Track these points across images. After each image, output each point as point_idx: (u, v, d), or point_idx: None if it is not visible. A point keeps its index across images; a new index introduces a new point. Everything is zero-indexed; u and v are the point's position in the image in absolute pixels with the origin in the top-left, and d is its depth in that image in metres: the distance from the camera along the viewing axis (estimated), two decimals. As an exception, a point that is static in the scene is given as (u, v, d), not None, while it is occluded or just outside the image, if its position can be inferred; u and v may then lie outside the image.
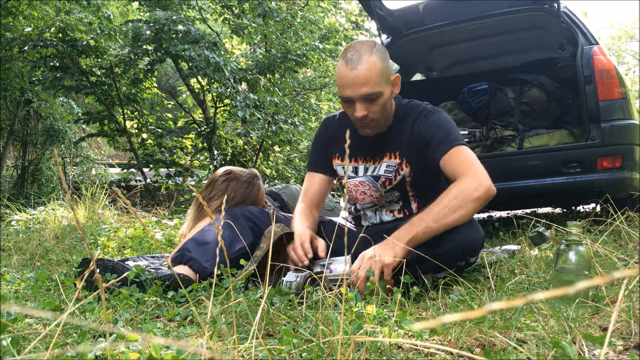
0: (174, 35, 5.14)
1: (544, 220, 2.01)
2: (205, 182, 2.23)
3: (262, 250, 1.59)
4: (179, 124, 6.46)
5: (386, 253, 1.46)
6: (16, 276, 1.89)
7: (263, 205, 2.23)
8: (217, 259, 0.94)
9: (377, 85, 1.61)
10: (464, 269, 1.67)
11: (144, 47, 5.31)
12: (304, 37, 6.66)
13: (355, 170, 1.85)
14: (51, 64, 5.37)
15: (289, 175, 7.26)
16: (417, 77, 4.76)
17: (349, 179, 1.86)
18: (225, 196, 1.89)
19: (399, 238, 1.48)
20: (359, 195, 1.85)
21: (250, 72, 5.77)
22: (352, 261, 1.70)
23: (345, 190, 1.19)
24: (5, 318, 1.12)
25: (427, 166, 1.72)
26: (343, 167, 1.88)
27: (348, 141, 0.89)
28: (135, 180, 6.04)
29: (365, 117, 1.64)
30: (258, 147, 6.38)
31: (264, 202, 2.23)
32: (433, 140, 1.67)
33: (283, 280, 1.52)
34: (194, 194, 0.89)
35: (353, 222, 1.97)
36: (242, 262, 1.61)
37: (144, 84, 5.82)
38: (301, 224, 1.74)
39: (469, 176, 1.56)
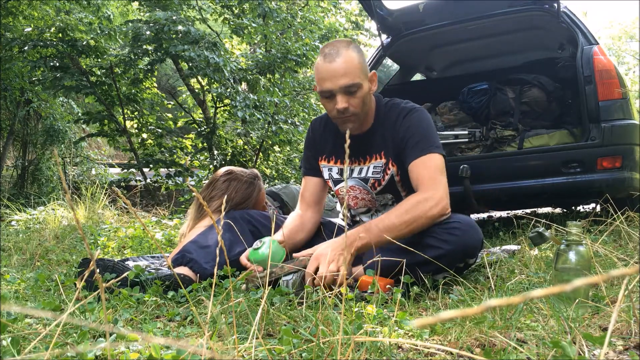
0: (174, 36, 5.14)
1: (544, 220, 2.01)
2: (206, 182, 2.23)
3: (276, 275, 1.56)
4: (179, 124, 6.47)
5: (333, 250, 1.49)
6: (16, 276, 1.89)
7: (263, 206, 2.23)
8: (217, 260, 0.94)
9: (357, 77, 1.62)
10: (463, 270, 1.66)
11: (144, 47, 5.31)
12: (304, 37, 6.66)
13: (341, 172, 1.85)
14: (51, 64, 5.37)
15: (289, 175, 7.26)
16: (417, 77, 4.77)
17: (337, 182, 1.86)
18: (226, 196, 1.90)
19: (354, 241, 1.51)
20: (350, 201, 1.84)
21: (250, 72, 5.77)
22: (353, 262, 1.70)
23: (342, 194, 1.18)
24: (5, 318, 1.12)
25: None
26: (329, 170, 1.87)
27: (348, 141, 0.88)
28: (135, 180, 6.04)
29: (346, 109, 1.64)
30: (258, 147, 6.39)
31: (264, 203, 2.23)
32: (409, 142, 1.68)
33: (281, 280, 1.52)
34: (194, 194, 0.89)
35: (351, 225, 1.96)
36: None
37: (144, 84, 5.82)
38: (278, 234, 1.77)
39: (430, 192, 1.57)
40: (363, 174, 1.80)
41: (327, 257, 1.47)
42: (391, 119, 1.75)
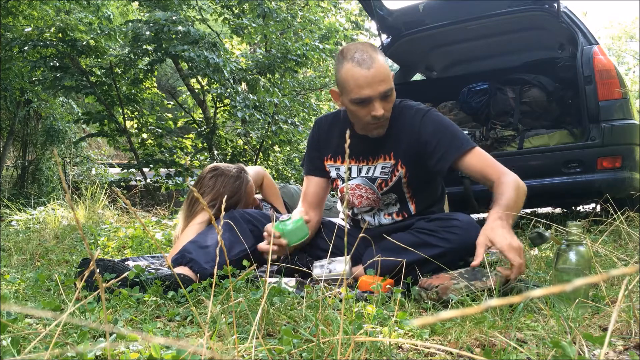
0: (173, 36, 5.14)
1: (544, 220, 2.01)
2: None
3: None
4: (179, 124, 6.47)
5: (513, 236, 1.42)
6: (16, 276, 1.89)
7: (254, 199, 2.24)
8: (217, 260, 0.94)
9: (391, 82, 1.63)
10: (463, 267, 1.66)
11: (144, 47, 5.31)
12: (304, 37, 6.67)
13: (349, 171, 1.84)
14: (51, 64, 5.37)
15: (289, 175, 7.27)
16: (417, 77, 4.77)
17: (342, 180, 1.85)
18: (213, 192, 1.92)
19: (506, 222, 1.45)
20: (355, 199, 1.83)
21: (250, 72, 5.78)
22: (352, 262, 1.70)
23: (344, 192, 1.16)
24: (5, 318, 1.11)
25: (424, 167, 1.72)
26: (337, 169, 1.86)
27: (348, 141, 0.88)
28: (135, 180, 6.04)
29: (383, 115, 1.63)
30: (258, 147, 6.39)
31: (254, 196, 2.23)
32: (441, 143, 1.67)
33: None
34: (192, 191, 0.89)
35: (352, 224, 1.95)
36: (245, 263, 1.61)
37: (144, 84, 5.83)
38: (302, 213, 1.76)
39: (509, 174, 1.61)
40: (370, 174, 1.79)
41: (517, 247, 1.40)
42: (405, 120, 1.74)
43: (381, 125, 1.68)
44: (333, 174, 1.87)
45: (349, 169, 1.83)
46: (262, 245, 1.66)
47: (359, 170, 1.81)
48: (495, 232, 1.41)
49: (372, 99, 1.61)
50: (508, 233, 1.40)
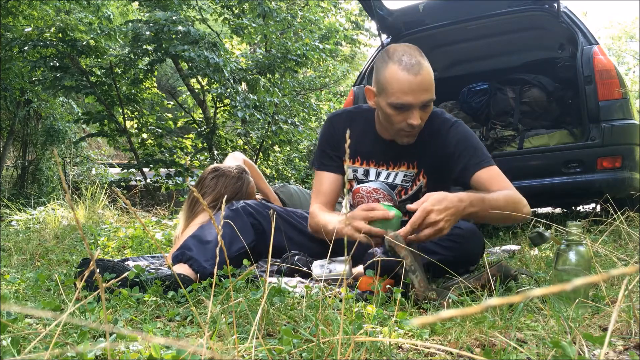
0: (173, 36, 5.15)
1: (544, 220, 2.01)
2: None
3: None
4: (179, 124, 6.47)
5: (444, 212, 1.35)
6: (16, 276, 1.89)
7: (255, 199, 2.24)
8: (217, 259, 0.94)
9: (434, 92, 1.58)
10: (463, 274, 1.67)
11: (144, 47, 5.32)
12: (304, 37, 6.67)
13: (366, 174, 1.80)
14: (51, 64, 5.37)
15: (289, 175, 7.26)
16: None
17: (359, 182, 1.83)
18: (215, 192, 1.90)
19: (462, 206, 1.40)
20: (372, 203, 1.82)
21: (250, 72, 5.78)
22: (352, 262, 1.70)
23: (346, 193, 1.13)
24: (5, 318, 1.11)
25: (446, 178, 1.71)
26: (354, 171, 1.81)
27: (348, 141, 0.89)
28: (135, 180, 6.05)
29: (419, 125, 1.58)
30: (258, 147, 6.39)
31: (255, 196, 2.23)
32: (463, 155, 1.65)
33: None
34: (192, 191, 0.89)
35: None
36: (245, 262, 1.60)
37: (144, 84, 5.83)
38: (334, 216, 1.64)
39: (513, 190, 1.57)
40: (390, 180, 1.77)
41: (439, 214, 1.36)
42: (431, 129, 1.71)
43: (414, 134, 1.64)
44: (350, 175, 1.84)
45: (367, 171, 1.81)
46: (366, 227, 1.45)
47: (378, 174, 1.79)
48: (434, 197, 1.36)
49: (412, 107, 1.55)
50: (444, 210, 1.34)
